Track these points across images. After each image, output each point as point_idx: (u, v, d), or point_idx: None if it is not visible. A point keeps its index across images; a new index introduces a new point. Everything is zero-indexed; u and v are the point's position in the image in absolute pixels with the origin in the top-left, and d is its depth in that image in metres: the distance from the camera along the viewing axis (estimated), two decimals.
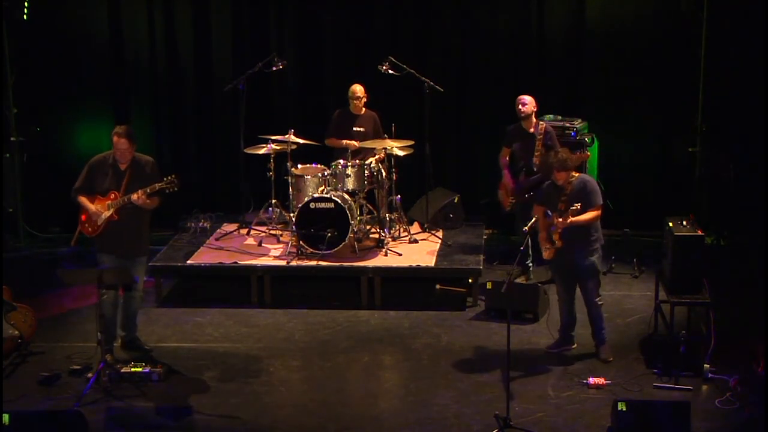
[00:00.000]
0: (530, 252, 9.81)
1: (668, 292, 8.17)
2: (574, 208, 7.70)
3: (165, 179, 7.96)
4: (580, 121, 10.45)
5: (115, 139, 7.92)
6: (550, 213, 7.99)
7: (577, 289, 8.21)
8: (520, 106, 9.51)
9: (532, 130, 9.51)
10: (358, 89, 10.31)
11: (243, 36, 11.52)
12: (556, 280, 8.38)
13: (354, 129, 10.33)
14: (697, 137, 11.01)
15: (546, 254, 8.13)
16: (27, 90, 11.46)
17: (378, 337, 8.81)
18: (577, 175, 8.01)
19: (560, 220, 7.80)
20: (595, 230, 8.00)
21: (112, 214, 7.91)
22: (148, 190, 7.88)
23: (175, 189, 8.00)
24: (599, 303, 8.15)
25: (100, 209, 7.95)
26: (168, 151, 11.79)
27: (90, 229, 8.05)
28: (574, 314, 8.29)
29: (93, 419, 7.04)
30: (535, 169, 9.44)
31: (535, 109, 9.53)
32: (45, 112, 11.66)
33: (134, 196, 7.81)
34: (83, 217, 8.08)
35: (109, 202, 7.93)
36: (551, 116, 10.35)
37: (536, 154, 9.44)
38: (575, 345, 8.36)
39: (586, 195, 7.88)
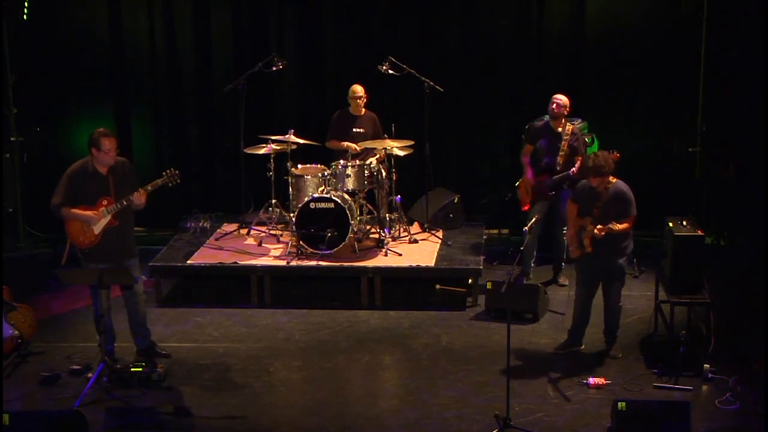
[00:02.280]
0: (535, 252, 9.80)
1: (668, 292, 8.18)
2: (612, 227, 7.72)
3: (165, 173, 7.89)
4: (580, 121, 10.43)
5: (105, 142, 7.66)
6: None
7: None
8: (553, 106, 9.36)
9: (560, 129, 9.44)
10: (358, 89, 10.31)
11: (243, 36, 11.52)
12: (578, 279, 8.36)
13: (354, 130, 10.33)
14: (697, 137, 11.01)
15: (573, 253, 8.15)
16: (27, 90, 11.47)
17: (378, 337, 8.81)
18: (614, 181, 7.98)
19: (597, 230, 7.79)
20: (626, 235, 8.00)
21: (111, 219, 7.81)
22: (150, 188, 7.81)
23: (178, 181, 7.95)
24: (620, 305, 8.18)
25: (96, 217, 7.78)
26: (168, 152, 11.79)
27: (87, 240, 7.82)
28: (588, 315, 8.29)
29: (93, 419, 7.05)
30: (558, 168, 9.40)
31: (567, 112, 9.45)
32: (45, 112, 11.66)
33: (137, 196, 7.73)
34: (76, 230, 7.83)
35: (103, 208, 7.75)
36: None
37: (561, 154, 9.37)
38: (583, 346, 8.37)
39: (620, 204, 7.90)
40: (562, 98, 9.41)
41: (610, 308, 8.20)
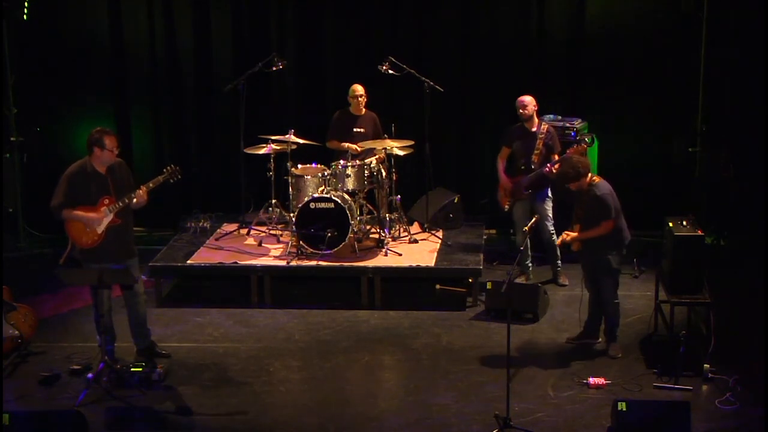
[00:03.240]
0: (530, 252, 9.83)
1: (668, 292, 8.18)
2: (566, 237, 8.04)
3: (166, 170, 7.90)
4: (580, 121, 10.45)
5: (108, 140, 7.68)
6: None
7: None
8: (520, 110, 9.48)
9: (534, 129, 9.51)
10: (358, 88, 10.31)
11: (243, 36, 11.52)
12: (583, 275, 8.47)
13: (354, 130, 10.33)
14: (697, 137, 11.01)
15: (573, 246, 8.26)
16: (27, 90, 11.47)
17: (378, 337, 8.81)
18: (597, 181, 8.00)
19: (568, 237, 8.01)
20: (615, 231, 8.00)
21: (113, 218, 7.80)
22: (151, 185, 7.80)
23: (179, 177, 7.95)
24: (615, 302, 8.19)
25: (98, 216, 7.75)
26: (168, 152, 11.78)
27: (89, 240, 7.79)
28: (597, 310, 8.32)
29: (93, 419, 7.05)
30: (533, 167, 9.44)
31: (536, 109, 9.52)
32: (45, 112, 11.67)
33: (139, 194, 7.71)
34: (77, 230, 7.80)
35: (105, 207, 7.74)
36: (551, 116, 10.34)
37: (536, 152, 9.43)
38: (600, 339, 8.39)
39: (595, 209, 7.96)
40: (525, 98, 9.52)
41: (603, 305, 8.22)
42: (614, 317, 8.22)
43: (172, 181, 7.93)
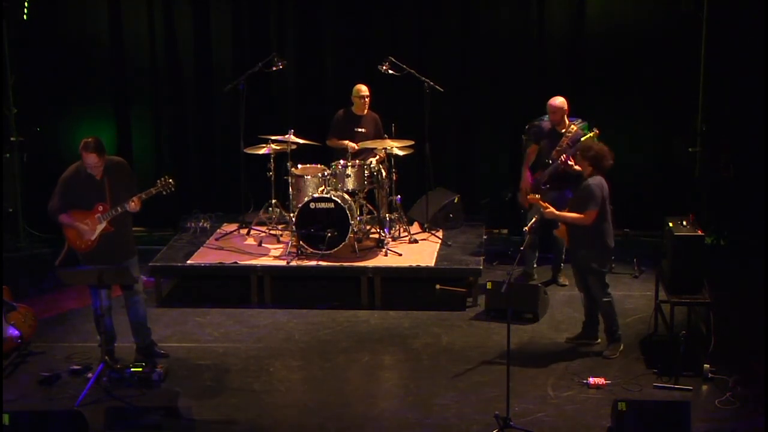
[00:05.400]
0: (537, 253, 9.79)
1: (668, 292, 8.17)
2: (544, 206, 8.12)
3: (159, 182, 7.87)
4: (580, 121, 10.41)
5: (84, 154, 7.63)
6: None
7: None
8: (554, 115, 9.29)
9: (563, 129, 9.42)
10: (363, 88, 10.29)
11: (243, 36, 11.52)
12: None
13: (356, 130, 10.32)
14: (697, 137, 11.01)
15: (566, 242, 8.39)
16: (27, 90, 11.47)
17: (378, 337, 8.81)
18: (596, 176, 8.00)
19: (547, 209, 8.10)
20: (597, 232, 8.00)
21: (106, 225, 7.79)
22: (144, 196, 7.76)
23: (172, 190, 7.93)
24: (605, 300, 8.17)
25: (91, 224, 7.77)
26: (168, 151, 11.79)
27: (84, 245, 7.83)
28: (592, 310, 8.34)
29: (93, 419, 7.05)
30: (549, 162, 9.38)
31: (567, 109, 9.40)
32: (45, 112, 11.66)
33: (132, 204, 7.68)
34: (73, 235, 7.84)
35: (99, 214, 7.74)
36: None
37: (557, 148, 9.34)
38: (599, 340, 8.39)
39: (582, 197, 8.00)
40: (555, 102, 9.35)
41: (598, 305, 8.24)
42: (610, 316, 8.21)
43: (165, 193, 7.90)
